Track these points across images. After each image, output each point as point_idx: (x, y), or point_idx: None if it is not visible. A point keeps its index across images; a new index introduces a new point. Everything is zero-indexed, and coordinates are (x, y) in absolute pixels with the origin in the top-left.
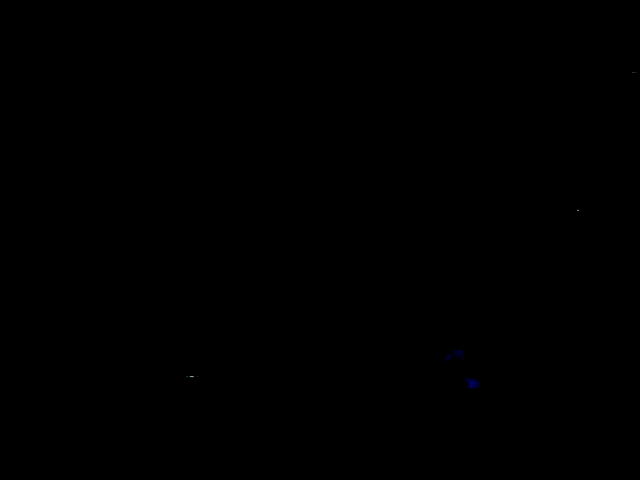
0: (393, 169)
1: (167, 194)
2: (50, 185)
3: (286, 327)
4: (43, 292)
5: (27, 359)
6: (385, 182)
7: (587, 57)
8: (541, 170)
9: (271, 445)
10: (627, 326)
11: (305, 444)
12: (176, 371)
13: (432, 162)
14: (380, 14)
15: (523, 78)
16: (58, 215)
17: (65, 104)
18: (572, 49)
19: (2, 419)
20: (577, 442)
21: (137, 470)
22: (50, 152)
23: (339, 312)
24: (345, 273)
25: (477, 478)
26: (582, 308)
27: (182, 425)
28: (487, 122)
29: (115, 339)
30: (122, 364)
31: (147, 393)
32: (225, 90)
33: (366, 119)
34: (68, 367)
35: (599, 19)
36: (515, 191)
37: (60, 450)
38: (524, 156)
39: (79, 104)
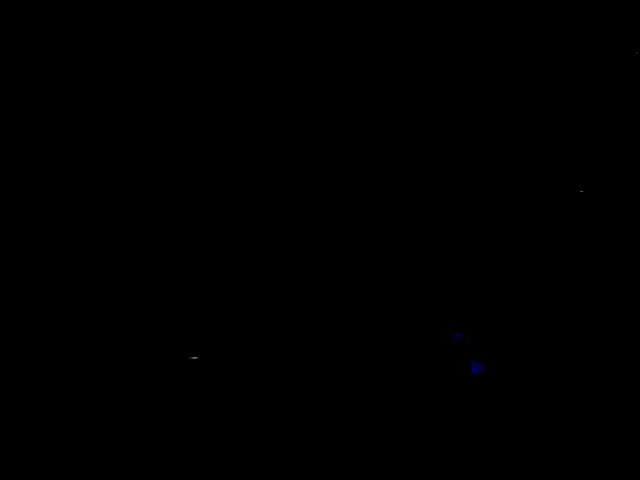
0: (397, 154)
1: (167, 193)
2: (50, 185)
3: (290, 301)
4: (44, 286)
5: (26, 349)
6: (389, 168)
7: (590, 37)
8: (543, 151)
9: (269, 425)
10: (632, 313)
11: (303, 425)
12: (176, 369)
13: (432, 141)
14: (380, 14)
15: (523, 58)
16: (58, 214)
17: (65, 104)
18: (574, 28)
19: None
20: (579, 435)
21: (136, 467)
22: (50, 152)
23: (346, 293)
24: (353, 258)
25: (476, 465)
26: (589, 297)
27: (182, 424)
28: (486, 103)
29: (115, 336)
30: (122, 360)
31: (146, 390)
32: (225, 90)
33: (366, 119)
34: (67, 360)
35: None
36: (518, 174)
37: (58, 443)
38: (526, 137)
39: (79, 104)
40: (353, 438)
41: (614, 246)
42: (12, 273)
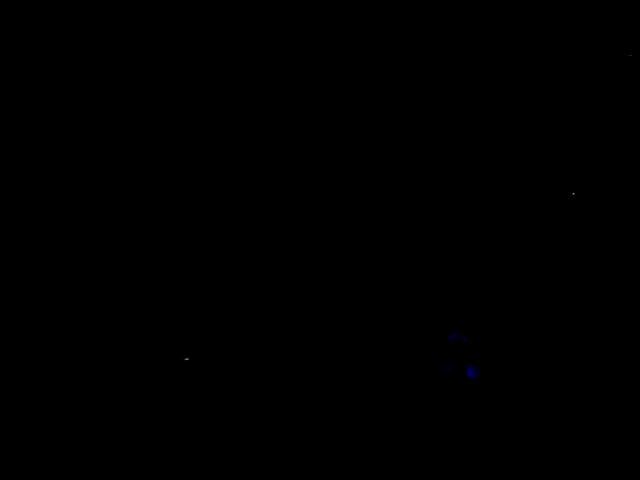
0: (396, 153)
1: (168, 193)
2: (50, 185)
3: (286, 302)
4: (44, 287)
5: (27, 350)
6: (387, 168)
7: (583, 40)
8: (537, 154)
9: (268, 427)
10: (629, 316)
11: (301, 428)
12: (176, 369)
13: (430, 145)
14: (380, 14)
15: (519, 61)
16: (59, 215)
17: (65, 104)
18: (569, 31)
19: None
20: (574, 441)
21: (135, 467)
22: (50, 152)
23: (345, 293)
24: (349, 258)
25: (471, 468)
26: (584, 300)
27: (181, 424)
28: (482, 108)
29: (116, 336)
30: (122, 361)
31: (146, 391)
32: (225, 90)
33: (366, 119)
34: (67, 360)
35: (595, 3)
36: (513, 177)
37: (58, 442)
38: (520, 140)
39: (79, 104)
40: (349, 440)
41: (607, 246)
42: (9, 274)
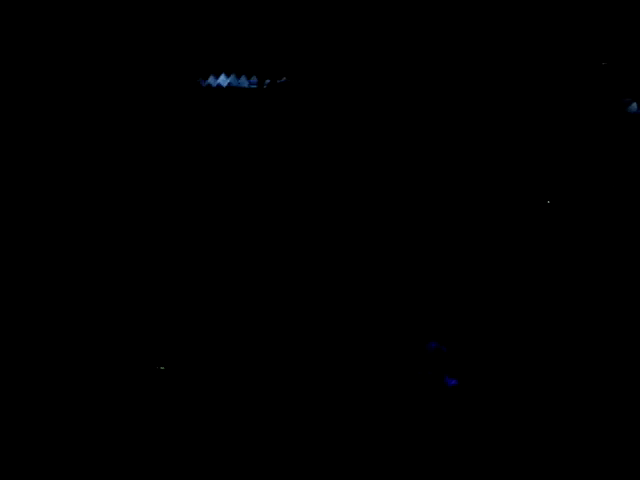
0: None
1: (165, 193)
2: (49, 185)
3: (270, 310)
4: (40, 289)
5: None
6: (363, 186)
7: (555, 48)
8: (512, 163)
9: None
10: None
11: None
12: (172, 369)
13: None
14: (380, 14)
15: (493, 71)
16: (57, 215)
17: (65, 104)
18: (540, 39)
19: None
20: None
21: (130, 468)
22: (49, 152)
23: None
24: (327, 264)
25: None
26: (571, 306)
27: (177, 424)
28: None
29: (109, 336)
30: (115, 362)
31: (141, 392)
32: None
33: (362, 119)
34: (60, 362)
35: (566, 8)
36: (492, 182)
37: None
38: (495, 148)
39: (79, 104)
40: (330, 446)
41: (585, 254)
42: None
